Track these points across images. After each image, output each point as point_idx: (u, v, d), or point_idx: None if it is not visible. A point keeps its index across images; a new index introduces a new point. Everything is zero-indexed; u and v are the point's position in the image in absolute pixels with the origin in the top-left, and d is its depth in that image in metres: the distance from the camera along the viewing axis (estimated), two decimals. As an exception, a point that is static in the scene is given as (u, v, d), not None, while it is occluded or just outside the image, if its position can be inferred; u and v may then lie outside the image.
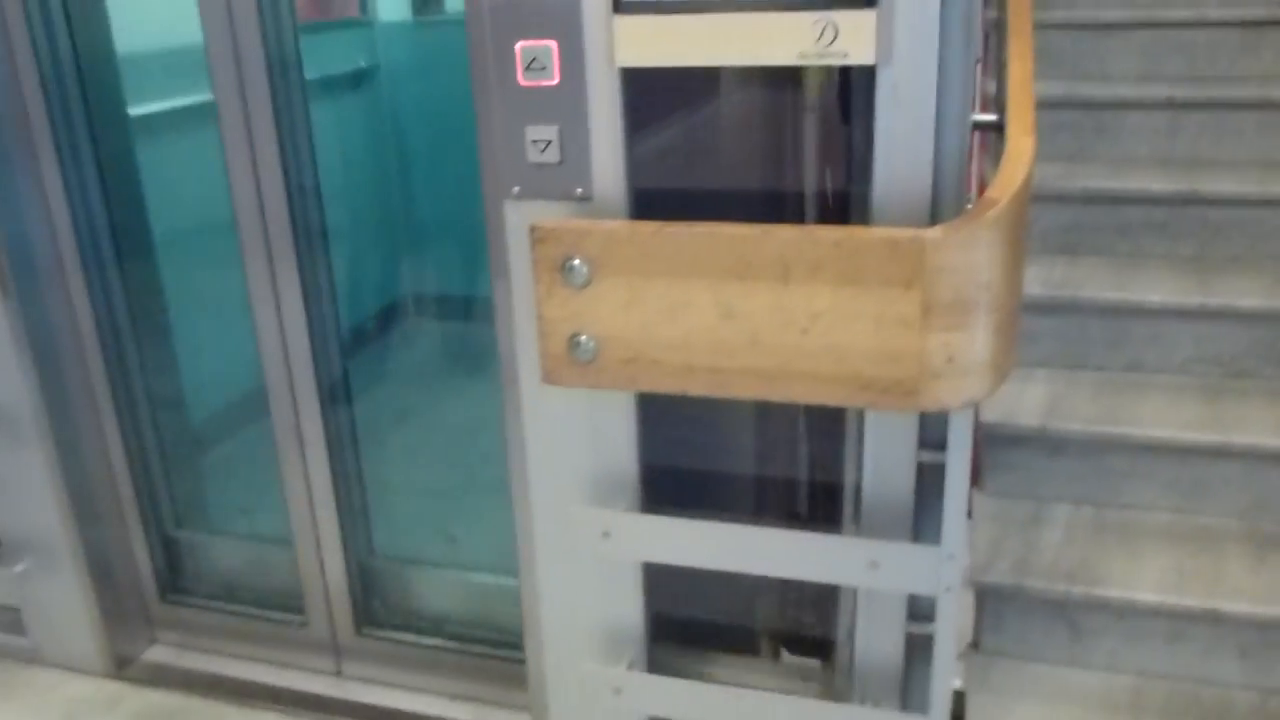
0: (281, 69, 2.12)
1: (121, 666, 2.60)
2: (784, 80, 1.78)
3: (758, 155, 1.86)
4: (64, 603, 2.53)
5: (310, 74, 2.21)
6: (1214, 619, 2.13)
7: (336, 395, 2.36)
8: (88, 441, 2.47)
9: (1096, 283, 2.63)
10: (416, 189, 3.47)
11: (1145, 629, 2.19)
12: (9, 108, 2.22)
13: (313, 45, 2.60)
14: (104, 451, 2.51)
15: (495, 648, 2.41)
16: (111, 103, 2.40)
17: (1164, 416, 2.42)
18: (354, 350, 2.80)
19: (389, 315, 3.38)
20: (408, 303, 3.45)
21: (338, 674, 2.54)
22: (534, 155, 1.72)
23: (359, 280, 3.08)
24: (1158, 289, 2.58)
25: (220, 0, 2.07)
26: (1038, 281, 2.63)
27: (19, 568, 2.50)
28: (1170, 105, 2.91)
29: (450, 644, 2.44)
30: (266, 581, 2.65)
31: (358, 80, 3.37)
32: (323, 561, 2.45)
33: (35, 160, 2.27)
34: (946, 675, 1.79)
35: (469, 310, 3.29)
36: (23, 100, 2.23)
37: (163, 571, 2.65)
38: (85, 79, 2.31)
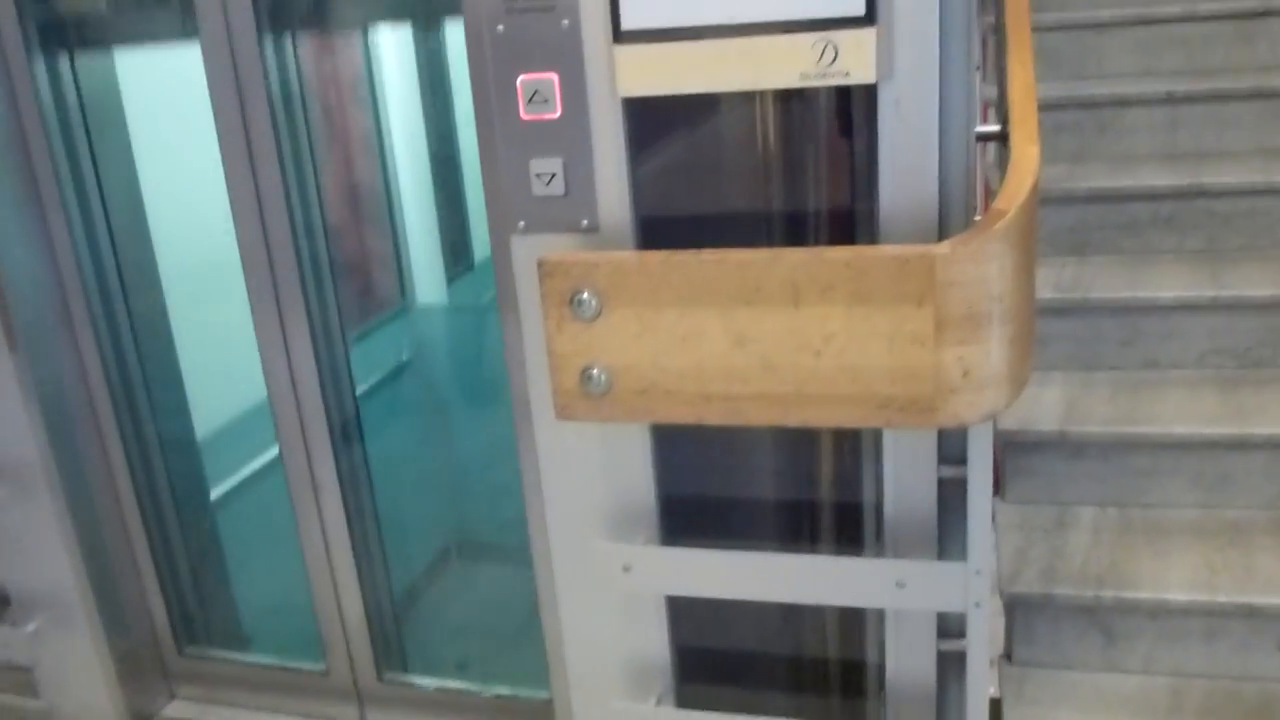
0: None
1: (142, 724, 2.58)
2: (785, 102, 1.77)
3: (762, 177, 1.84)
4: (78, 661, 2.50)
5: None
6: (1248, 613, 2.11)
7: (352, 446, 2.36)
8: (99, 494, 2.45)
9: (1107, 282, 2.61)
10: (456, 459, 3.51)
11: (1180, 628, 2.16)
12: (12, 156, 2.21)
13: (359, 356, 2.70)
14: (116, 503, 2.49)
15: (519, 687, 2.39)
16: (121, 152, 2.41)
17: (1183, 412, 2.39)
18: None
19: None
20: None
21: (362, 720, 2.52)
22: (539, 189, 1.70)
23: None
24: (1169, 284, 2.56)
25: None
26: (1048, 284, 2.61)
27: (30, 627, 2.47)
28: (1170, 100, 2.90)
29: (474, 685, 2.41)
30: (286, 630, 2.62)
31: (399, 372, 3.40)
32: (341, 608, 2.42)
33: (41, 211, 2.26)
34: (981, 692, 1.76)
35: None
36: (27, 148, 2.22)
37: (180, 624, 2.63)
38: (92, 130, 2.31)
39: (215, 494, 2.74)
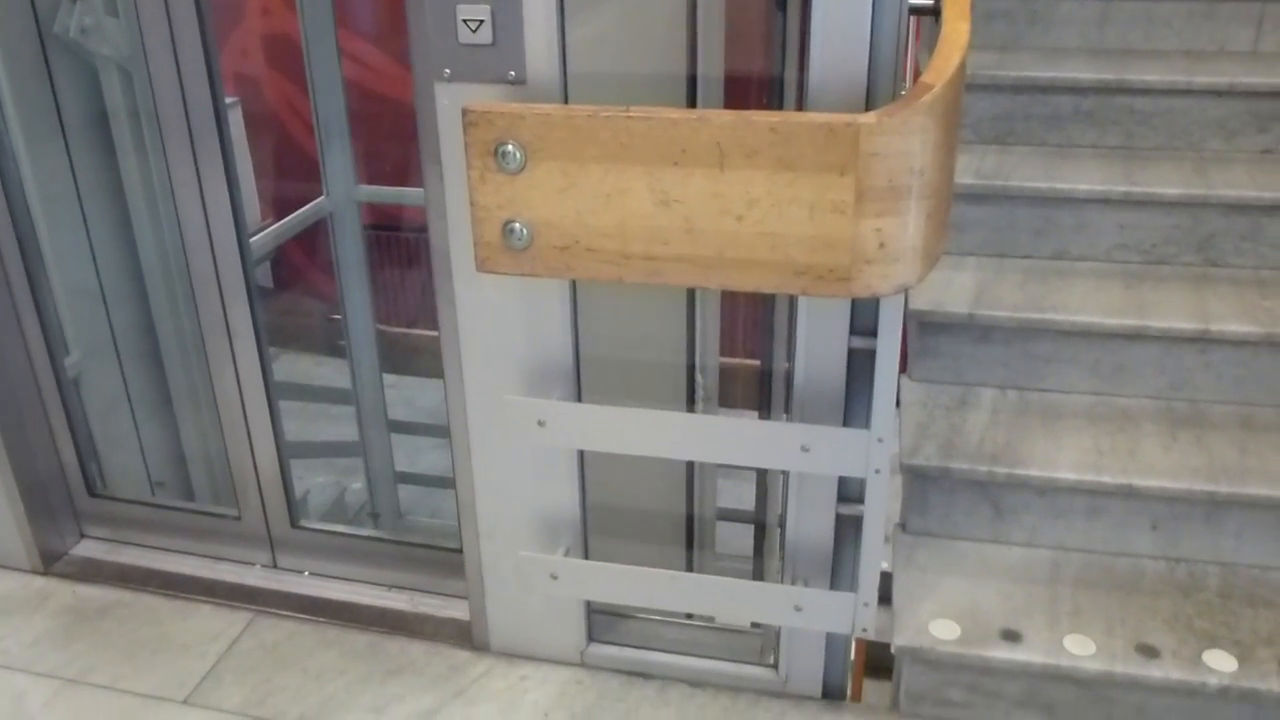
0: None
1: (49, 562, 2.57)
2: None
3: (691, 40, 1.83)
4: (-14, 499, 2.49)
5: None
6: (1128, 494, 2.22)
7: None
8: (5, 334, 2.40)
9: (1026, 172, 2.65)
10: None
11: (1064, 505, 2.27)
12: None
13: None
14: (23, 344, 2.44)
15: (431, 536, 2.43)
16: None
17: (1087, 303, 2.47)
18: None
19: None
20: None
21: (273, 566, 2.55)
22: (465, 35, 1.67)
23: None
24: (1085, 178, 2.61)
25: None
26: (969, 171, 2.64)
27: (-62, 464, 2.45)
28: (1102, -7, 2.91)
29: (385, 534, 2.45)
30: (197, 475, 2.62)
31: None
32: (255, 453, 2.43)
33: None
34: (875, 555, 1.85)
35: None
36: None
37: (90, 466, 2.61)
38: None
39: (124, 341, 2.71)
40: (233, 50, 4.74)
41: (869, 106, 1.59)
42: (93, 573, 2.55)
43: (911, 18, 1.65)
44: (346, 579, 2.48)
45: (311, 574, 2.51)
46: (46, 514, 2.56)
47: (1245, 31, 2.89)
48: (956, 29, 1.56)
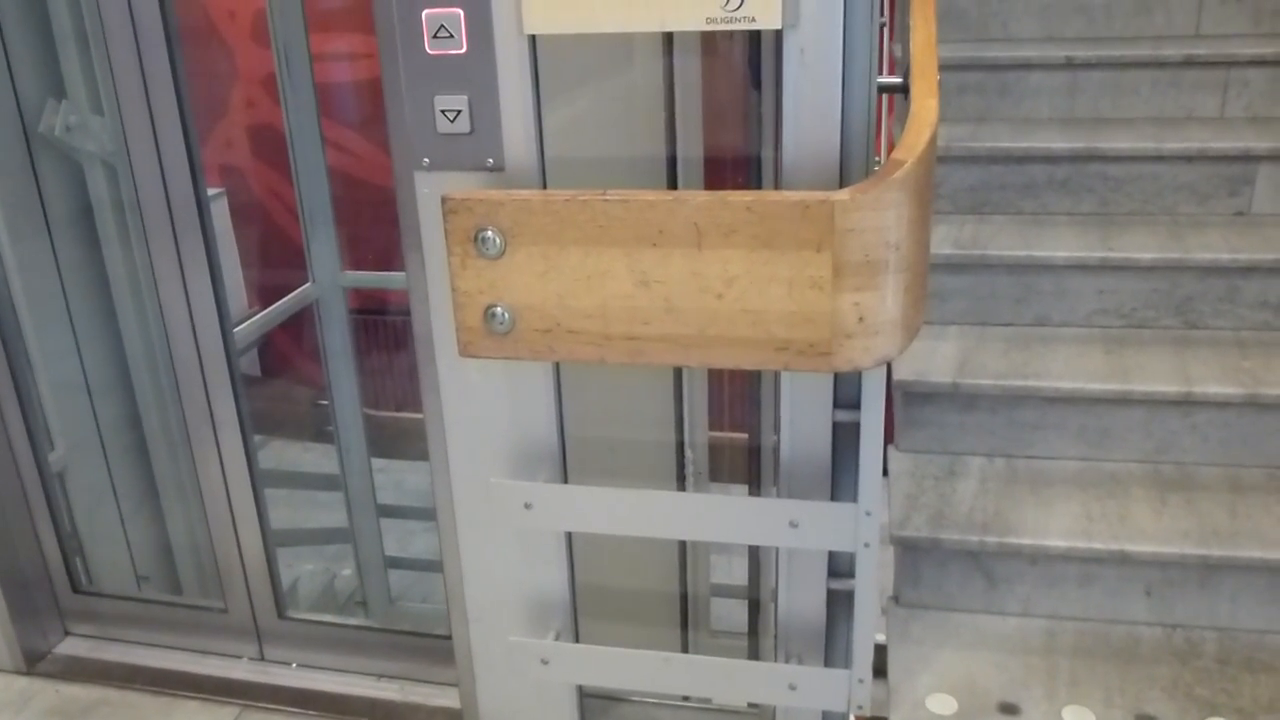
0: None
1: (32, 662, 2.53)
2: (694, 46, 1.78)
3: (670, 121, 1.86)
4: (-33, 600, 2.45)
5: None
6: (1121, 560, 2.21)
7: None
8: (-12, 432, 2.39)
9: (1004, 241, 2.69)
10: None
11: (1057, 574, 2.26)
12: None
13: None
14: (6, 439, 2.42)
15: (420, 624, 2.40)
16: None
17: (1070, 368, 2.48)
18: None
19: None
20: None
21: (260, 659, 2.51)
22: (444, 125, 1.69)
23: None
24: (1062, 245, 2.65)
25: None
26: (948, 241, 2.68)
27: (-82, 565, 2.42)
28: (1070, 65, 2.98)
29: (374, 623, 2.42)
30: (183, 568, 2.59)
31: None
32: (240, 545, 2.40)
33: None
34: (867, 630, 1.83)
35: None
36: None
37: (74, 563, 2.58)
38: None
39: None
40: (218, 142, 4.80)
41: (843, 183, 1.61)
42: (77, 671, 2.51)
43: (883, 94, 1.69)
44: (336, 669, 2.44)
45: (300, 665, 2.47)
46: (30, 612, 2.52)
47: (1211, 98, 2.95)
48: (925, 106, 1.59)
